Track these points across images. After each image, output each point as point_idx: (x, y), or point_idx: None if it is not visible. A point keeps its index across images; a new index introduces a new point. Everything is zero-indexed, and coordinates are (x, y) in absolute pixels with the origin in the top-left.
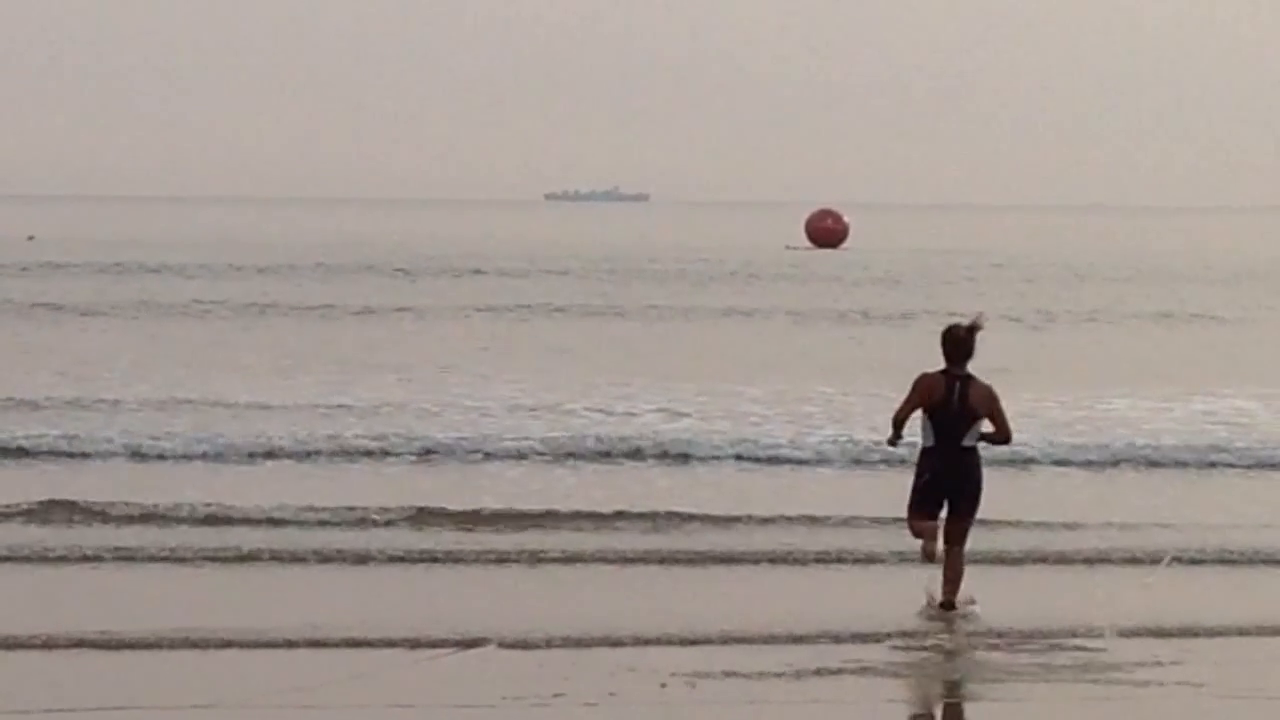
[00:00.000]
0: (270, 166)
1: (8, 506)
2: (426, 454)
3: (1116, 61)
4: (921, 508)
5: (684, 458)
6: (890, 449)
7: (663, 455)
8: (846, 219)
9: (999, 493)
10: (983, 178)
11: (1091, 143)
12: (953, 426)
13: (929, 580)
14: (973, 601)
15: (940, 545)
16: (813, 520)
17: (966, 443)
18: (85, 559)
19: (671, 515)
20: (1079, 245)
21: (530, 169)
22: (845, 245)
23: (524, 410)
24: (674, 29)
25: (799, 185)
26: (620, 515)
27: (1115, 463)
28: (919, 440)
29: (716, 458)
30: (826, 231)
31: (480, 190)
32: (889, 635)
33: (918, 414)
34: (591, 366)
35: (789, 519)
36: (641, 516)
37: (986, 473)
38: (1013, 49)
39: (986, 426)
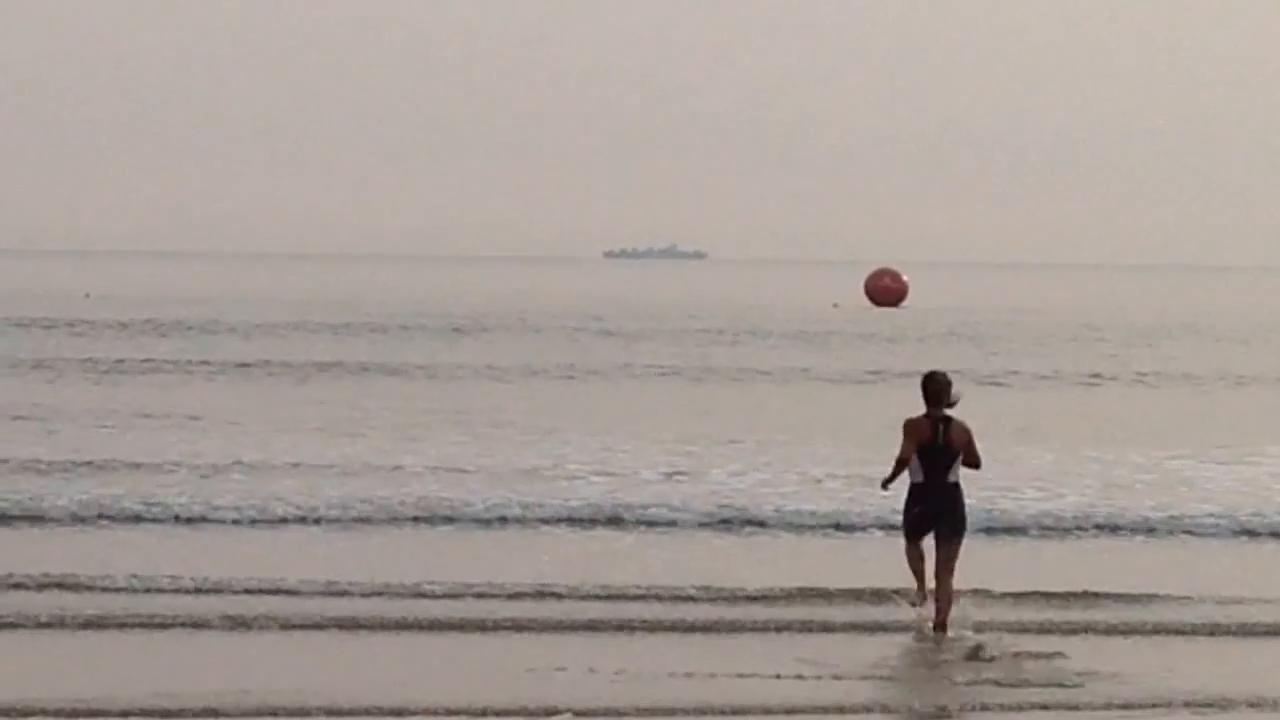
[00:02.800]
0: (327, 223)
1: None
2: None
3: (1175, 124)
4: (913, 538)
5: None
6: (882, 492)
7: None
8: (905, 277)
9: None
10: (1045, 237)
11: (1156, 202)
12: (938, 464)
13: (918, 616)
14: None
15: (930, 572)
16: None
17: (951, 479)
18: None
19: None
20: (1149, 303)
21: (590, 226)
22: (904, 304)
23: (590, 473)
24: (732, 87)
25: (857, 243)
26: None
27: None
28: (906, 477)
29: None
30: (885, 290)
31: (540, 247)
32: None
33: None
34: (644, 427)
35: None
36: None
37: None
38: (1071, 109)
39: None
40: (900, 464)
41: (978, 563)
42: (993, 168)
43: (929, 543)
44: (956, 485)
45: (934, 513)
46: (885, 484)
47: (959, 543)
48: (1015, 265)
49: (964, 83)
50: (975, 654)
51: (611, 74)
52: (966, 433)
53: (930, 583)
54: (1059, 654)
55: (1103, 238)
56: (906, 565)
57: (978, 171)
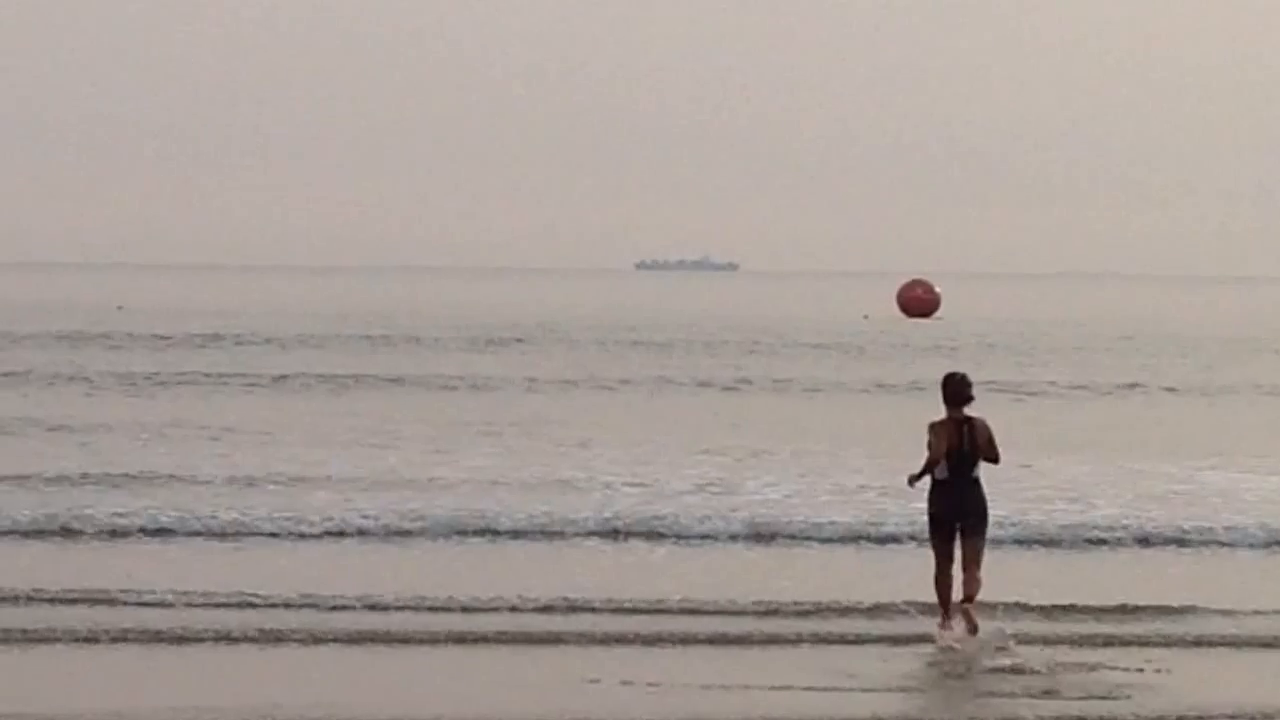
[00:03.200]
0: (359, 236)
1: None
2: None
3: (1209, 134)
4: (939, 533)
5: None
6: (908, 487)
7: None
8: (938, 289)
9: None
10: (1080, 247)
11: (1192, 211)
12: (963, 463)
13: (942, 639)
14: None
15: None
16: None
17: (973, 475)
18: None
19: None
20: (1184, 313)
21: (622, 238)
22: (937, 315)
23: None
24: (766, 98)
25: (889, 254)
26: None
27: None
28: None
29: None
30: (917, 301)
31: (572, 259)
32: None
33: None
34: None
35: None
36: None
37: None
38: (1110, 116)
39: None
40: (931, 464)
41: (1013, 575)
42: (1025, 177)
43: (955, 565)
44: (977, 481)
45: (959, 509)
46: (913, 480)
47: (984, 536)
48: (1048, 275)
49: (997, 91)
50: (1012, 666)
51: (644, 85)
52: (987, 431)
53: (957, 594)
54: (1098, 665)
55: (1139, 247)
56: (934, 588)
57: (1009, 181)
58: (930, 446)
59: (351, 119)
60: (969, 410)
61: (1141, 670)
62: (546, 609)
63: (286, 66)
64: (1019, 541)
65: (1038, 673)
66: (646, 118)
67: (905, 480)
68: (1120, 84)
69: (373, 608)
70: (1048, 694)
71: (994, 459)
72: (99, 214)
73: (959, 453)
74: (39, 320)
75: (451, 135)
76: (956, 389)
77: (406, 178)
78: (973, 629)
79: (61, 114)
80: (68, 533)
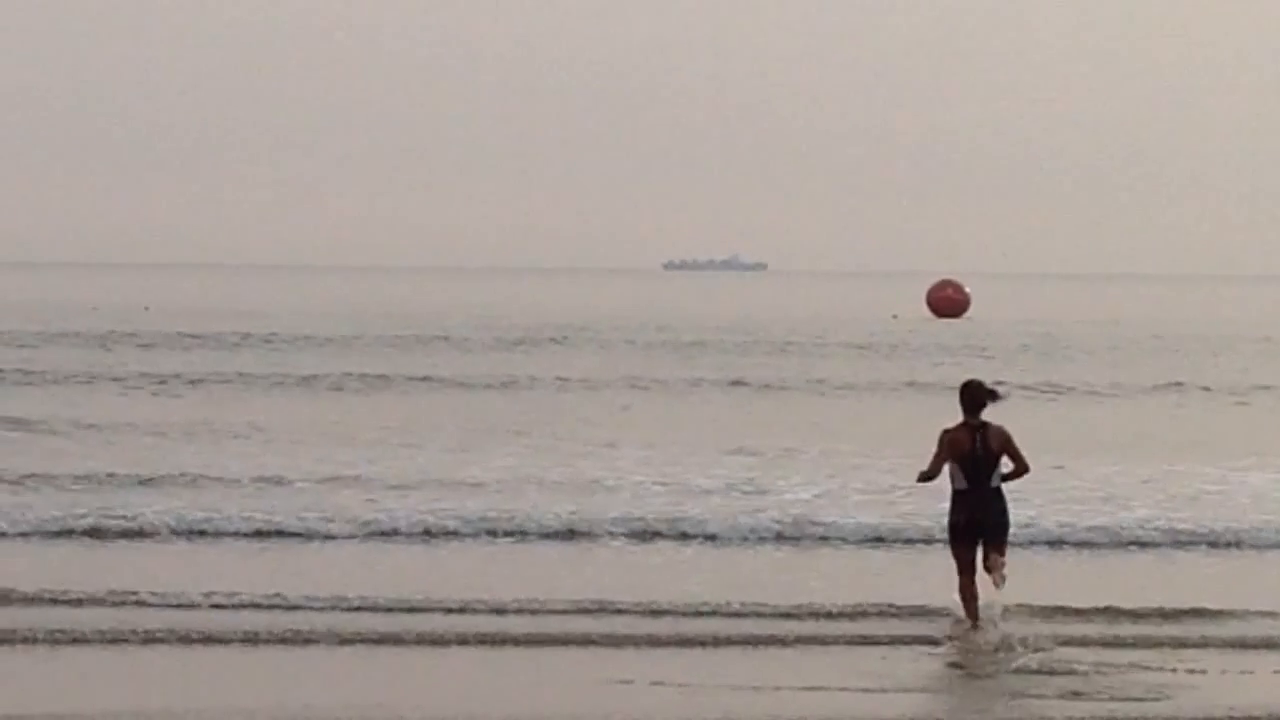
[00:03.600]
0: (387, 236)
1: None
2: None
3: (1241, 131)
4: (960, 543)
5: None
6: (916, 484)
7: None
8: (968, 289)
9: None
10: (1112, 247)
11: (1220, 208)
12: (979, 470)
13: (954, 609)
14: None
15: (978, 577)
16: None
17: (993, 484)
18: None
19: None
20: (1218, 313)
21: (650, 237)
22: (967, 315)
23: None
24: (793, 98)
25: (917, 254)
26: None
27: None
28: (949, 484)
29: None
30: (947, 301)
31: (599, 258)
32: None
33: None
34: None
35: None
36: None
37: None
38: (1141, 118)
39: (1006, 465)
40: (925, 477)
41: (1049, 577)
42: (1054, 178)
43: (981, 574)
44: (998, 490)
45: (979, 519)
46: (920, 479)
47: (1004, 542)
48: (1079, 276)
49: (1027, 93)
50: (1047, 667)
51: (671, 85)
52: (1006, 437)
53: (981, 597)
54: (1135, 666)
55: (1172, 248)
56: (957, 594)
57: (1039, 182)
58: (935, 455)
59: (378, 117)
60: (986, 416)
61: (1175, 671)
62: (577, 610)
63: (294, 63)
64: (1051, 543)
65: (1073, 674)
66: (675, 117)
67: (939, 491)
68: (1150, 81)
69: (406, 609)
70: (1080, 695)
71: (1020, 466)
72: (115, 214)
73: (973, 460)
74: (66, 319)
75: (479, 134)
76: (974, 395)
77: (432, 177)
78: (998, 582)
79: (77, 113)
80: (95, 533)
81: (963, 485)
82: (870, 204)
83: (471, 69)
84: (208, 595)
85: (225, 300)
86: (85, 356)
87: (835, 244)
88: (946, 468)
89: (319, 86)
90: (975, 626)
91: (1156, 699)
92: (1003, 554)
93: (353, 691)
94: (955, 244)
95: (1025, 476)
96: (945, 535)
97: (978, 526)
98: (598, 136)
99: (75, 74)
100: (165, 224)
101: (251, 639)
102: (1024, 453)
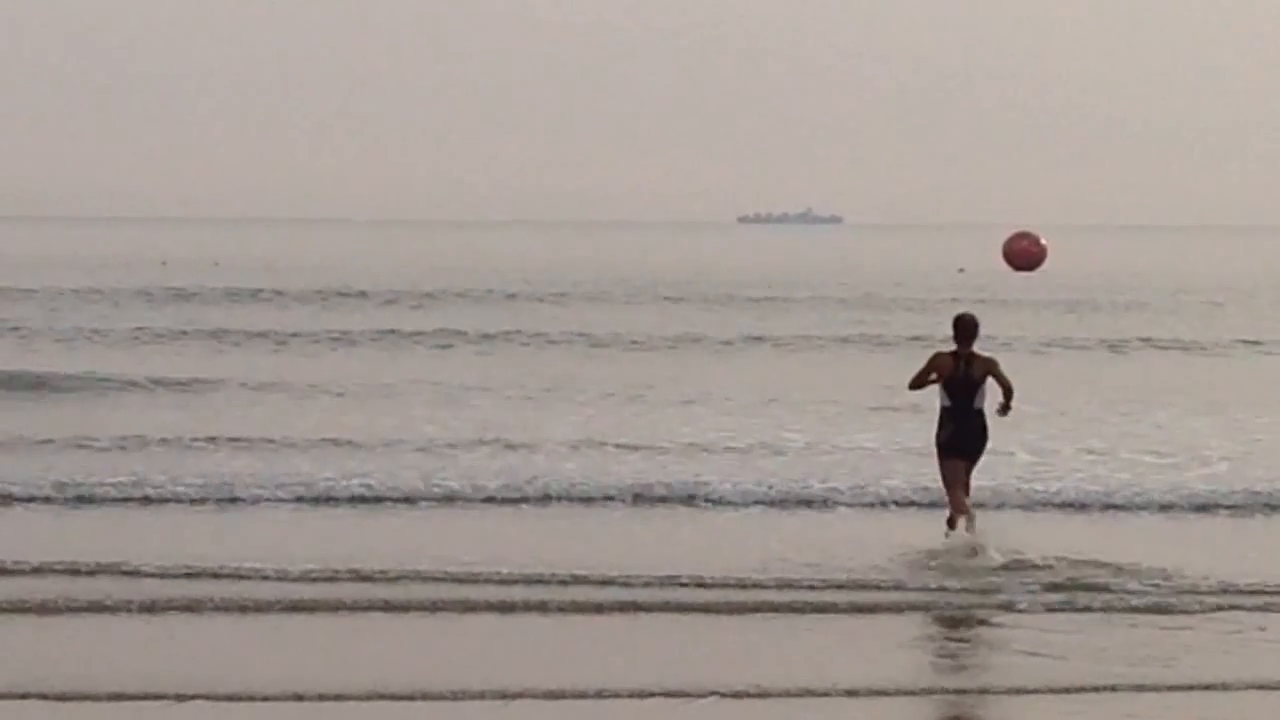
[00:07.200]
0: (463, 190)
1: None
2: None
3: None
4: (947, 456)
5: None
6: (909, 391)
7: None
8: (1044, 241)
9: None
10: (1183, 199)
11: None
12: (963, 392)
13: (949, 537)
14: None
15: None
16: None
17: (975, 405)
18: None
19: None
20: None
21: (724, 191)
22: (1043, 268)
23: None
24: (869, 52)
25: (992, 206)
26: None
27: None
28: (938, 402)
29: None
30: (1023, 253)
31: (673, 212)
32: None
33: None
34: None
35: None
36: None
37: None
38: (1210, 73)
39: (997, 394)
40: (913, 385)
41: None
42: (1129, 130)
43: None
44: (980, 411)
45: (961, 434)
46: (910, 386)
47: (978, 459)
48: (1150, 228)
49: (1100, 49)
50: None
51: (747, 39)
52: (988, 364)
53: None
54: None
55: (1246, 201)
56: (942, 484)
57: (1115, 134)
58: (921, 369)
59: (456, 75)
60: (977, 349)
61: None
62: (602, 583)
63: (343, 18)
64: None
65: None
66: (749, 71)
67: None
68: (1233, 41)
69: (489, 579)
70: (1096, 660)
71: (1005, 387)
72: (141, 168)
73: (955, 380)
74: (124, 275)
75: (556, 91)
76: (965, 326)
77: (507, 134)
78: (970, 524)
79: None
80: (143, 500)
81: (947, 403)
82: (945, 157)
83: (548, 27)
84: (274, 566)
85: (277, 255)
86: (165, 312)
87: (910, 197)
88: (939, 390)
89: (361, 40)
90: (955, 519)
91: (1167, 665)
92: (973, 468)
93: (388, 661)
94: (1029, 197)
95: (1014, 397)
96: (1021, 493)
97: (958, 439)
98: (673, 91)
99: (157, 30)
100: (181, 179)
101: (343, 607)
102: (1009, 377)
